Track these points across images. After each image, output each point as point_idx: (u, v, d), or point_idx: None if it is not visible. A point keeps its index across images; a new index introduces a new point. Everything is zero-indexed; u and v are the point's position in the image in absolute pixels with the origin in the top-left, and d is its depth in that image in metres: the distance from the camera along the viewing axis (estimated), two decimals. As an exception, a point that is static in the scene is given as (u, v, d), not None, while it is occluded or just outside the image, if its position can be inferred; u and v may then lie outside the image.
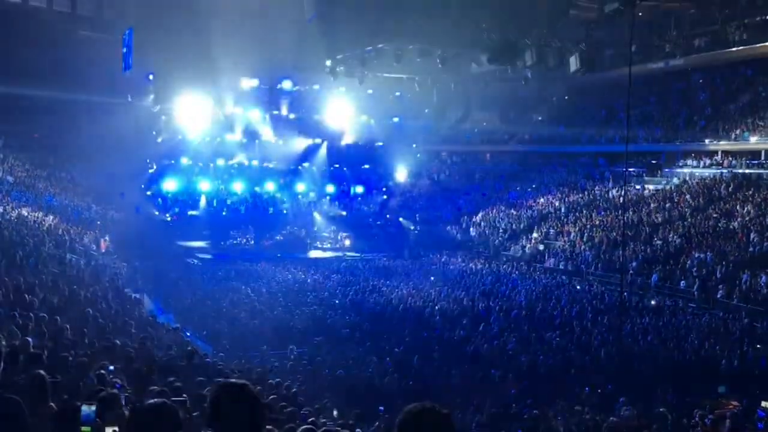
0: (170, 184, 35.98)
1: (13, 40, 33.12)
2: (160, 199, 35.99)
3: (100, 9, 38.38)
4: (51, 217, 28.28)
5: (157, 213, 34.79)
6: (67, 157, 38.06)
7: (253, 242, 35.47)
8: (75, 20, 37.69)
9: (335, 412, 10.94)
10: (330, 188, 40.71)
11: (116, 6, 37.56)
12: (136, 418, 2.80)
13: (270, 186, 39.06)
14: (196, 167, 37.59)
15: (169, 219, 34.72)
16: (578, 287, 26.98)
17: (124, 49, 33.39)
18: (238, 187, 38.08)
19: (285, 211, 38.12)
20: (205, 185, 36.96)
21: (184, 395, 6.89)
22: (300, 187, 39.71)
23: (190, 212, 35.77)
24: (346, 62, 30.53)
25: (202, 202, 36.46)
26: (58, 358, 7.26)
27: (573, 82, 43.23)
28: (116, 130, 32.80)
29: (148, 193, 35.75)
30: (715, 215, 29.37)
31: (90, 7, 38.43)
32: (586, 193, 38.42)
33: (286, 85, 36.60)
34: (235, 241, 35.02)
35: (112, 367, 7.53)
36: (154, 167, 36.70)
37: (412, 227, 39.90)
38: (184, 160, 37.35)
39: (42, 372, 4.70)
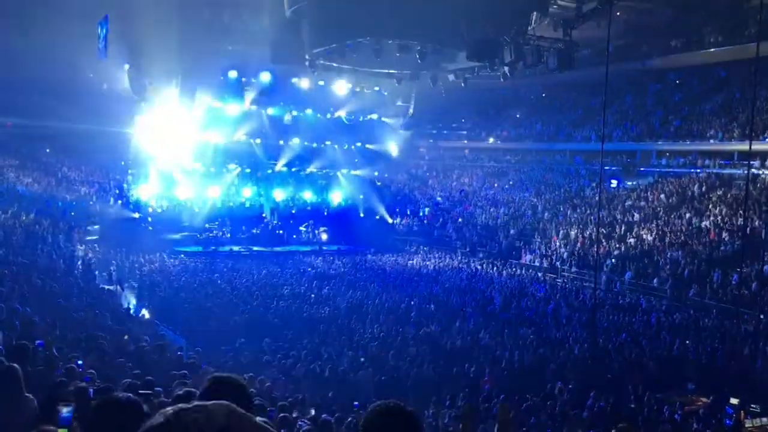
0: (145, 191, 35.20)
1: (10, 31, 32.54)
2: (134, 197, 35.24)
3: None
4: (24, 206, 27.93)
5: (137, 215, 33.84)
6: (40, 147, 37.65)
7: (229, 234, 35.25)
8: (53, 8, 37.16)
9: (312, 411, 10.85)
10: (308, 195, 40.17)
11: None
12: (99, 411, 2.77)
13: (247, 192, 38.44)
14: (171, 172, 36.66)
15: (150, 220, 33.86)
16: (553, 284, 27.21)
17: (100, 37, 32.91)
18: (214, 192, 37.32)
19: (265, 216, 37.52)
20: (181, 192, 36.29)
21: (157, 388, 6.84)
22: (278, 193, 39.05)
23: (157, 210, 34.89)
24: (326, 56, 30.38)
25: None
26: (28, 350, 7.14)
27: (550, 80, 43.54)
28: (91, 120, 32.37)
29: (119, 202, 34.63)
30: (688, 214, 29.78)
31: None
32: (562, 190, 38.77)
33: (265, 77, 36.21)
34: (211, 234, 34.76)
35: (81, 362, 7.44)
36: (129, 173, 35.84)
37: (391, 221, 39.93)
38: (161, 164, 36.47)
39: (15, 365, 4.62)
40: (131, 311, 18.96)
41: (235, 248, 33.47)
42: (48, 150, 38.04)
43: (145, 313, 20.39)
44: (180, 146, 36.19)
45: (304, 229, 37.46)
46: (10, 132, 38.31)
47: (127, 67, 34.09)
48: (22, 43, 32.60)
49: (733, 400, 13.26)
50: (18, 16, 33.41)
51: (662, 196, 32.46)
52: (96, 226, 31.23)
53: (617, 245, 29.43)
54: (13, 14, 33.28)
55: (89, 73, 33.85)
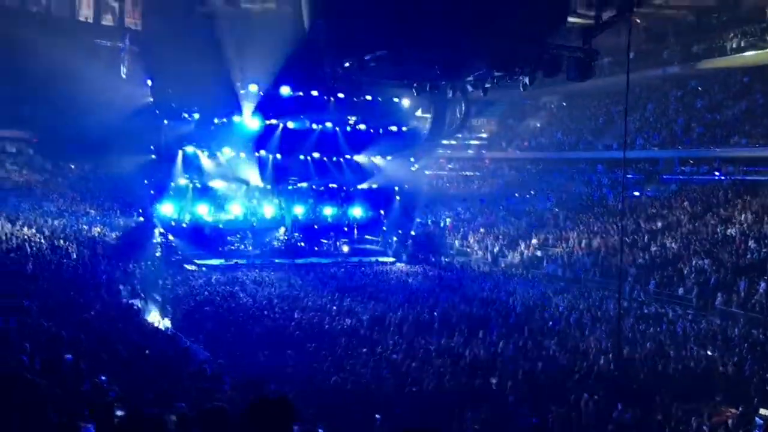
0: (167, 208, 35.48)
1: (37, 48, 33.24)
2: (157, 213, 35.48)
3: (121, 19, 38.81)
4: (50, 222, 28.36)
5: (161, 230, 34.10)
6: (66, 163, 38.25)
7: (251, 247, 35.50)
8: (97, 29, 38.09)
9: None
10: (328, 210, 40.11)
11: (135, 15, 38.08)
12: (125, 427, 2.79)
13: (269, 208, 38.49)
14: (192, 188, 36.84)
15: (172, 238, 34.09)
16: (576, 294, 26.94)
17: (122, 56, 33.51)
18: (237, 209, 37.41)
19: (284, 228, 37.65)
20: (202, 209, 36.49)
21: (181, 404, 6.88)
22: (298, 208, 39.09)
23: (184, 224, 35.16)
24: (345, 68, 30.48)
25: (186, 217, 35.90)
26: (54, 365, 7.23)
27: (571, 89, 43.39)
28: (120, 138, 32.82)
29: (141, 219, 34.96)
30: (713, 222, 29.42)
31: (110, 17, 38.91)
32: (584, 199, 38.50)
33: (285, 91, 36.34)
34: (233, 246, 35.06)
35: (104, 377, 7.49)
36: (151, 191, 36.08)
37: (413, 233, 39.84)
38: (182, 181, 36.88)
39: (39, 380, 4.65)
40: (154, 324, 19.09)
41: (257, 261, 33.62)
42: (73, 166, 38.57)
43: (169, 326, 20.54)
44: (203, 162, 36.52)
45: (325, 241, 37.63)
46: (35, 148, 39.08)
47: (150, 82, 34.48)
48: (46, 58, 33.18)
49: (763, 411, 13.07)
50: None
51: (686, 203, 32.10)
52: (120, 241, 31.53)
53: (641, 254, 29.12)
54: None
55: (114, 91, 34.25)
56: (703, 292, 24.68)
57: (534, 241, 35.09)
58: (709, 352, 17.84)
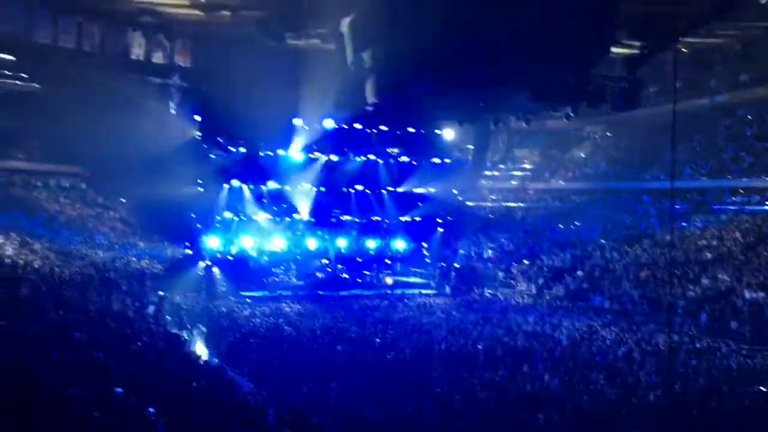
0: (213, 241, 35.95)
1: (89, 85, 34.49)
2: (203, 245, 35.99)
3: (171, 56, 40.12)
4: (101, 255, 29.11)
5: (207, 262, 34.58)
6: (117, 197, 39.30)
7: (295, 279, 35.81)
8: (148, 67, 39.36)
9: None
10: (371, 243, 40.14)
11: (184, 53, 39.33)
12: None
13: (313, 242, 38.64)
14: (237, 221, 37.01)
15: (217, 271, 34.53)
16: (624, 327, 26.33)
17: (172, 93, 34.46)
18: (280, 242, 37.55)
19: (327, 260, 37.84)
20: (247, 242, 36.79)
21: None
22: (341, 241, 39.25)
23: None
24: (389, 101, 30.75)
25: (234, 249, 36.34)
26: (104, 397, 7.36)
27: (615, 119, 43.00)
28: (168, 172, 33.59)
29: (188, 251, 35.61)
30: (766, 253, 28.59)
31: (161, 55, 40.27)
32: (630, 230, 37.85)
33: (328, 124, 36.75)
34: (277, 278, 35.39)
35: (152, 409, 7.60)
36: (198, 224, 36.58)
37: (457, 265, 39.62)
38: (227, 213, 37.24)
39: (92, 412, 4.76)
40: (200, 356, 19.29)
41: (301, 293, 33.82)
42: (123, 200, 39.57)
43: (214, 358, 20.72)
44: (247, 195, 37.06)
45: (368, 273, 37.71)
46: (88, 182, 40.31)
47: (197, 117, 35.28)
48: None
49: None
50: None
51: (737, 234, 31.29)
52: (167, 273, 32.10)
53: (691, 286, 28.41)
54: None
55: (164, 126, 35.22)
56: (758, 325, 23.90)
57: (579, 272, 34.53)
58: (764, 389, 17.23)
